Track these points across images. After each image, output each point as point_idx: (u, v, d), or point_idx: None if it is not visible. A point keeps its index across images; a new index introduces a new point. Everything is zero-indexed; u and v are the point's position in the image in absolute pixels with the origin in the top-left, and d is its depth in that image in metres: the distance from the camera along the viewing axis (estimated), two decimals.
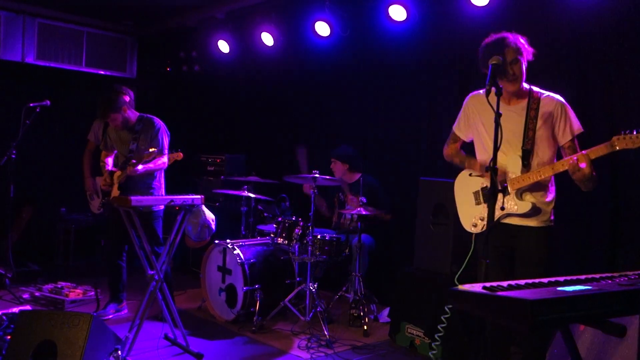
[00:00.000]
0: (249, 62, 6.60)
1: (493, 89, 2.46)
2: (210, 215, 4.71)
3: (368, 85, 5.65)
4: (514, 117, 3.01)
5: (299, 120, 6.37)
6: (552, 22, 4.16)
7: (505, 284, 1.90)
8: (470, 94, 3.26)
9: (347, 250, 4.84)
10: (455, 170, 4.73)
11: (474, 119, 3.21)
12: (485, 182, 3.18)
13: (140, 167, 4.28)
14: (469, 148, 3.39)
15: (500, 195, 2.83)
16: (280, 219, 4.82)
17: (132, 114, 4.56)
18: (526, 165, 2.99)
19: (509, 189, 3.01)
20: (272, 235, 4.83)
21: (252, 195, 5.20)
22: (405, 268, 4.37)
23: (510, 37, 2.97)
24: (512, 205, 3.02)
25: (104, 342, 3.39)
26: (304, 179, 4.68)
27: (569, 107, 3.04)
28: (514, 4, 4.36)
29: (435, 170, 4.80)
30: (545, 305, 1.63)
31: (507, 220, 3.07)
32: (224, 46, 6.47)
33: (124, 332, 3.80)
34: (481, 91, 3.16)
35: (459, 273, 3.65)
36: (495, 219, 2.97)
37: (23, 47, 6.72)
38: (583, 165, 2.71)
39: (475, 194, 3.26)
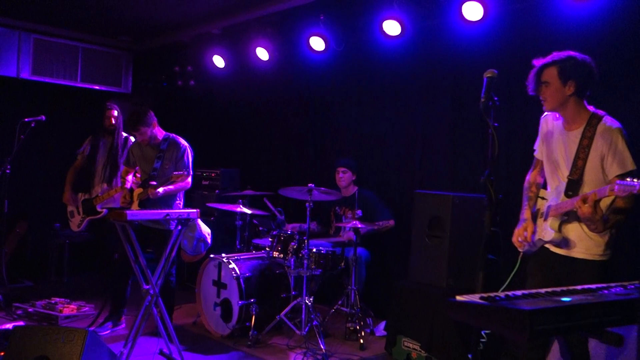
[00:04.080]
0: (245, 76, 6.63)
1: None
2: (205, 229, 4.71)
3: (362, 98, 5.68)
4: (568, 143, 2.83)
5: (293, 134, 6.39)
6: (547, 38, 4.16)
7: (502, 294, 1.91)
8: (542, 116, 3.08)
9: (342, 264, 4.83)
10: (447, 185, 4.73)
11: (544, 141, 3.04)
12: (545, 204, 3.00)
13: (160, 190, 4.36)
14: None
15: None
16: (275, 232, 4.81)
17: (159, 132, 4.66)
18: (570, 196, 2.77)
19: (547, 215, 2.87)
20: (267, 249, 4.81)
21: (247, 210, 5.18)
22: (401, 281, 4.37)
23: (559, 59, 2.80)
24: (542, 230, 2.89)
25: (99, 358, 3.36)
26: (299, 191, 4.64)
27: (622, 138, 2.72)
28: (508, 20, 4.40)
29: (430, 183, 4.82)
30: (543, 315, 1.64)
31: (550, 247, 2.91)
32: (219, 61, 6.50)
33: (120, 348, 3.77)
34: (547, 113, 3.02)
35: (502, 288, 3.04)
36: (537, 240, 2.92)
37: (18, 63, 6.74)
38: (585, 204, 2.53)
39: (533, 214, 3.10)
